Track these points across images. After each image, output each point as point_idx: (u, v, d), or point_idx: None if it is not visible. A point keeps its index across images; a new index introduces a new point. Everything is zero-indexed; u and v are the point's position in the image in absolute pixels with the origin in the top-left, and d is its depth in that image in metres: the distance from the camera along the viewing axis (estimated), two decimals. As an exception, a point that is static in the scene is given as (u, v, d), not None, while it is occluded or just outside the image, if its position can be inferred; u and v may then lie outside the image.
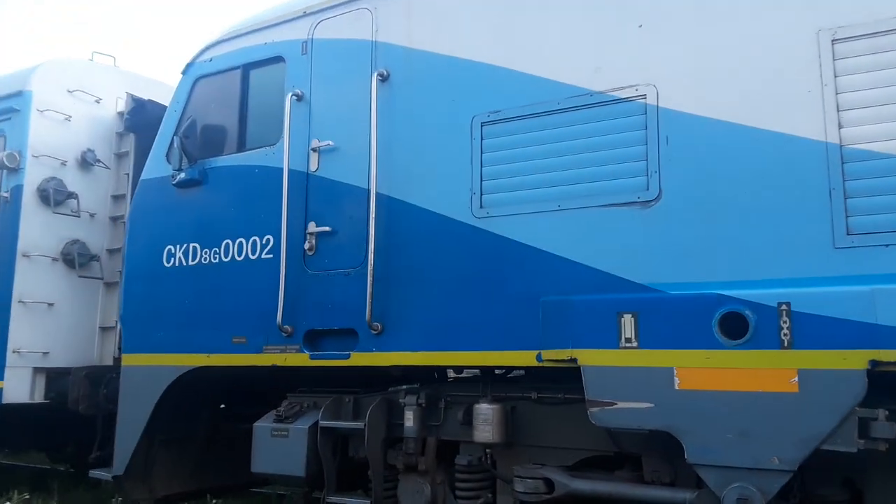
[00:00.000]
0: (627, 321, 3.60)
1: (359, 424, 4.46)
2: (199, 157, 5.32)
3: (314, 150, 4.82)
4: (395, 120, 4.55)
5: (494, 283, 4.06)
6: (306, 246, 4.72)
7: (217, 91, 5.47)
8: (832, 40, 3.39)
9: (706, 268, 3.52)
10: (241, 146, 5.29)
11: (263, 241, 4.94)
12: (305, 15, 5.06)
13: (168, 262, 5.40)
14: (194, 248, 5.28)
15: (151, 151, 5.77)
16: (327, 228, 4.66)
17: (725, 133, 3.57)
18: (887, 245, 3.18)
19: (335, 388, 4.89)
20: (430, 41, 4.52)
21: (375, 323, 4.34)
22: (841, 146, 3.31)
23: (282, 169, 4.87)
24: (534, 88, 4.12)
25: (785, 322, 3.25)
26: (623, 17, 3.95)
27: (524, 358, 3.92)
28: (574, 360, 3.70)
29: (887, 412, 3.13)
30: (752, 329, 3.31)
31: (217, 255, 5.15)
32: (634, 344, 3.57)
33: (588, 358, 3.67)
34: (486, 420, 4.03)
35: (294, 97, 4.93)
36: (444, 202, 4.28)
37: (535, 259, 3.96)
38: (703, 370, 3.40)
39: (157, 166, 5.65)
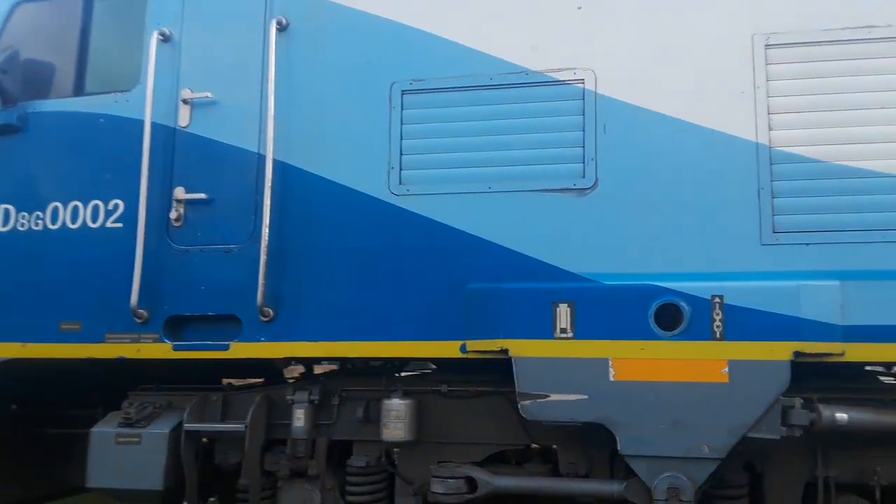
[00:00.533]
0: (563, 311, 3.46)
1: (239, 426, 3.83)
2: (20, 98, 4.25)
3: (185, 101, 4.07)
4: (295, 77, 3.99)
5: (413, 267, 3.70)
6: (173, 216, 3.97)
7: (48, 18, 4.44)
8: (766, 45, 3.55)
9: (642, 259, 3.50)
10: (80, 89, 4.34)
11: (109, 207, 4.08)
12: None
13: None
14: (6, 210, 4.21)
15: None
16: (202, 196, 3.96)
17: (663, 126, 3.58)
18: (807, 244, 3.39)
19: (181, 383, 4.18)
20: (341, -7, 4.03)
21: (267, 308, 3.75)
22: (770, 147, 3.47)
23: (139, 121, 4.06)
24: (464, 60, 3.82)
25: (718, 314, 3.32)
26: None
27: (445, 349, 3.62)
28: (505, 352, 3.48)
29: (802, 400, 3.33)
30: (686, 321, 3.34)
31: (41, 222, 4.16)
32: (570, 335, 3.44)
33: (520, 349, 3.47)
34: (399, 417, 3.66)
35: (160, 36, 4.12)
36: (355, 175, 3.83)
37: (461, 243, 3.67)
38: (638, 361, 3.37)
39: None
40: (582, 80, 3.69)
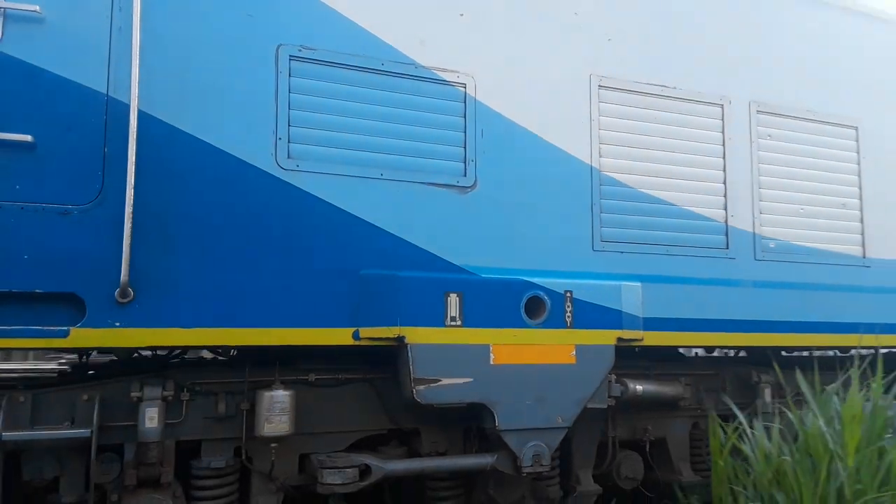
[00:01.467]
0: (453, 300, 3.69)
1: (84, 432, 3.07)
2: None
3: (-8, 8, 3.08)
4: (159, 11, 3.34)
5: (301, 249, 3.49)
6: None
7: None
8: (596, 85, 4.31)
9: (513, 255, 3.94)
10: None
11: None
12: None
13: None
14: None
15: None
16: (26, 138, 3.05)
17: (528, 140, 4.07)
18: (622, 252, 4.25)
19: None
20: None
21: (129, 288, 3.10)
22: (600, 171, 4.24)
23: None
24: (355, 37, 3.72)
25: (569, 306, 3.96)
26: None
27: (336, 336, 3.51)
28: (402, 339, 3.55)
29: (615, 376, 4.18)
30: (547, 311, 3.90)
31: None
32: (459, 323, 3.69)
33: (416, 336, 3.58)
34: (284, 409, 3.41)
35: None
36: (237, 142, 3.41)
37: (354, 228, 3.60)
38: (512, 346, 3.80)
39: None
40: (464, 85, 3.95)
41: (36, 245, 3.04)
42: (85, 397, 3.24)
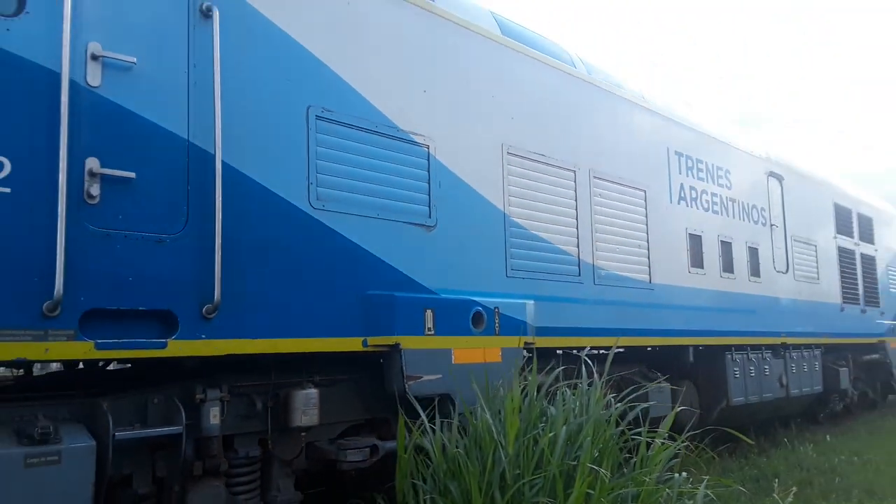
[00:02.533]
0: (429, 315, 4.78)
1: (178, 429, 3.56)
2: None
3: (95, 57, 3.49)
4: (226, 73, 3.97)
5: (327, 273, 4.32)
6: (93, 191, 3.37)
7: None
8: (505, 152, 5.71)
9: (461, 280, 5.13)
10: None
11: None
12: None
13: None
14: None
15: None
16: (129, 174, 3.50)
17: (468, 192, 5.31)
18: (522, 279, 5.68)
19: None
20: (268, 6, 4.22)
21: (209, 306, 3.68)
22: (508, 216, 5.64)
23: (30, 62, 3.29)
24: (360, 104, 4.65)
25: (497, 319, 5.28)
26: (415, 77, 5.07)
27: (351, 344, 4.39)
28: (398, 345, 4.54)
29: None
30: (485, 323, 5.17)
31: None
32: (433, 332, 4.78)
33: (407, 342, 4.60)
34: (315, 404, 4.18)
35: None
36: (282, 184, 4.15)
37: (361, 256, 4.51)
38: (465, 349, 4.99)
39: None
40: (427, 146, 5.07)
41: (138, 268, 3.49)
42: (155, 400, 3.70)
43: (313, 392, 4.23)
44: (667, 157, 7.74)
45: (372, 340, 4.47)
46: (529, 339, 5.50)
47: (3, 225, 3.09)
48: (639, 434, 4.34)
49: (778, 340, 9.32)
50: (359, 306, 4.44)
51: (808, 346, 10.20)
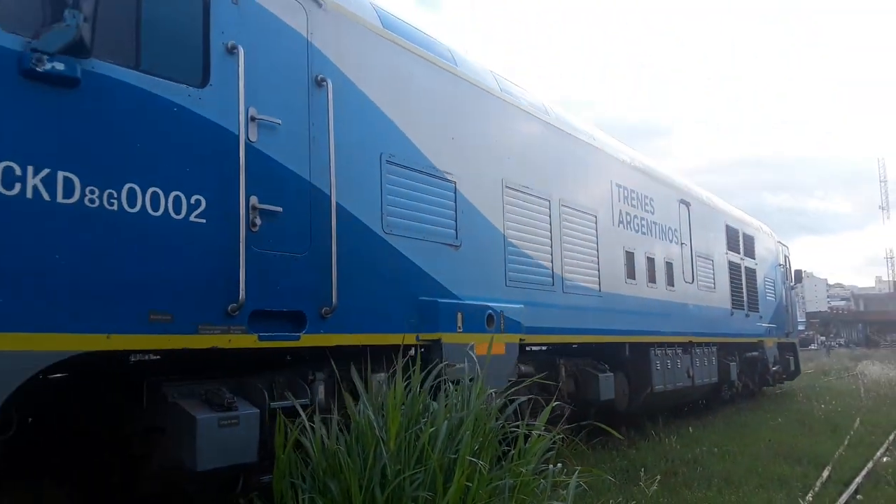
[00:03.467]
0: (460, 316, 6.11)
1: (304, 400, 4.70)
2: (91, 53, 3.75)
3: (253, 119, 4.60)
4: (335, 129, 5.15)
5: (396, 283, 5.57)
6: (258, 221, 4.49)
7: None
8: (504, 186, 7.13)
9: (477, 289, 6.48)
10: (139, 61, 4.08)
11: (191, 202, 4.19)
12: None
13: (10, 188, 3.42)
14: (68, 178, 3.65)
15: None
16: (278, 209, 4.63)
17: (480, 218, 6.68)
18: (516, 287, 7.10)
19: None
20: (355, 71, 5.41)
21: (326, 308, 4.86)
22: (507, 238, 7.05)
23: (213, 123, 4.39)
24: (412, 150, 5.92)
25: (502, 320, 6.67)
26: (447, 127, 6.39)
27: (410, 338, 5.64)
28: (440, 340, 5.84)
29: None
30: (495, 323, 6.56)
31: (115, 202, 3.83)
32: (462, 330, 6.11)
33: (447, 338, 5.91)
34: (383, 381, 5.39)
35: (224, 47, 4.51)
36: (367, 215, 5.36)
37: (415, 270, 5.78)
38: (482, 344, 6.33)
39: None
40: (454, 182, 6.40)
41: (282, 279, 4.62)
42: (280, 380, 4.82)
43: (383, 376, 5.45)
44: (610, 188, 9.43)
45: (423, 336, 5.75)
46: (523, 336, 6.93)
47: (202, 246, 4.16)
48: (517, 427, 4.50)
49: (686, 339, 11.26)
50: (414, 309, 5.71)
51: (707, 345, 12.26)
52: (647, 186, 10.63)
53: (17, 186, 3.41)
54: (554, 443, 4.59)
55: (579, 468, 4.46)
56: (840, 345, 62.45)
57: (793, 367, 18.39)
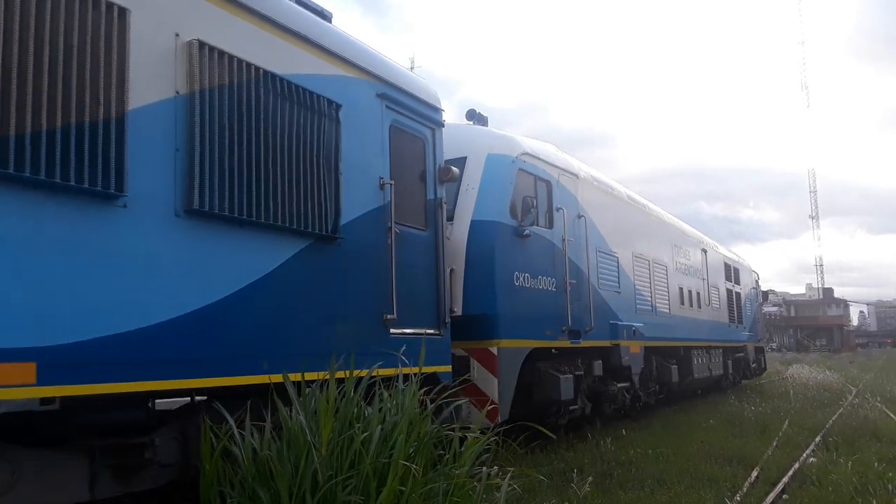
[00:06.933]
0: (624, 331, 11.37)
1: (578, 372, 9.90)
2: (523, 222, 8.87)
3: (563, 240, 9.79)
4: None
5: (603, 313, 10.79)
6: (568, 288, 9.69)
7: (532, 183, 9.11)
8: (632, 255, 12.44)
9: (626, 316, 11.77)
10: (549, 223, 9.30)
11: (550, 281, 9.37)
12: (554, 166, 9.84)
13: (517, 282, 8.58)
14: (526, 276, 8.81)
15: (478, 202, 8.40)
16: (574, 282, 9.82)
17: (624, 275, 11.98)
18: (639, 313, 12.41)
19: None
20: (588, 206, 10.62)
21: (588, 328, 10.06)
22: (634, 285, 12.36)
23: (555, 245, 9.58)
24: (603, 243, 11.19)
25: (636, 332, 11.98)
26: (611, 226, 11.67)
27: (606, 343, 10.86)
28: (618, 345, 11.09)
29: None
30: (637, 334, 11.85)
31: (536, 283, 9.00)
32: (626, 338, 11.37)
33: (622, 343, 11.16)
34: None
35: (555, 209, 9.71)
36: (594, 278, 10.60)
37: (606, 306, 11.03)
38: (633, 346, 11.60)
39: (486, 211, 8.44)
40: (617, 257, 11.70)
41: (576, 314, 9.82)
42: (579, 361, 9.98)
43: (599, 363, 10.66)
44: (671, 247, 14.87)
45: (613, 342, 10.95)
46: (645, 342, 12.23)
47: (554, 301, 9.31)
48: (452, 430, 4.43)
49: (707, 344, 16.78)
50: (608, 327, 10.92)
51: (717, 348, 17.83)
52: (685, 241, 16.12)
53: (520, 280, 8.54)
54: (489, 446, 4.58)
55: (512, 470, 4.48)
56: (772, 349, 68.64)
57: (763, 365, 24.39)
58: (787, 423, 11.76)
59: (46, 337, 3.50)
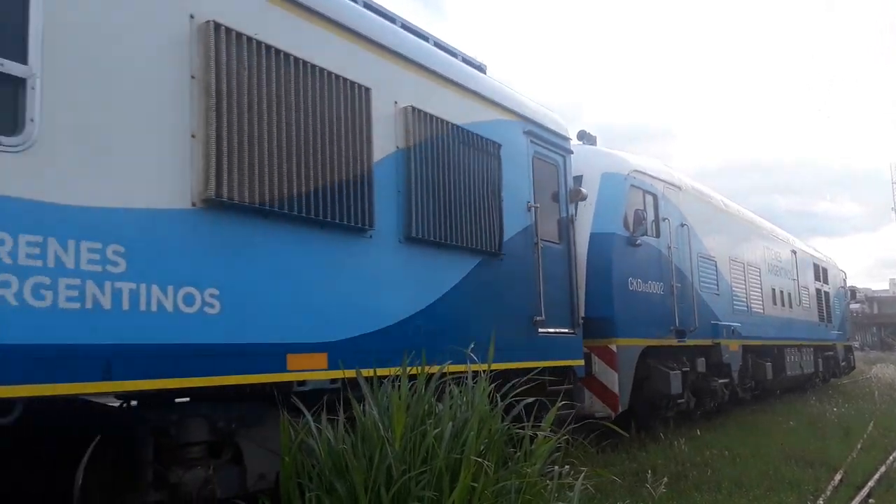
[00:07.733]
0: (724, 331, 12.21)
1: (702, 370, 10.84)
2: (635, 233, 9.88)
3: (668, 247, 10.75)
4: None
5: (705, 315, 11.69)
6: (674, 291, 10.64)
7: (641, 197, 10.13)
8: (729, 259, 13.25)
9: (724, 316, 12.60)
10: (657, 232, 10.31)
11: (659, 285, 10.35)
12: (660, 181, 10.81)
13: (630, 286, 9.61)
14: (637, 281, 9.83)
15: (595, 216, 9.48)
16: (679, 285, 10.77)
17: (722, 278, 12.81)
18: (736, 314, 13.21)
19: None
20: (689, 215, 11.54)
21: (692, 328, 10.97)
22: (731, 287, 13.17)
23: (662, 252, 10.54)
24: (702, 248, 12.07)
25: (734, 331, 12.77)
26: (710, 231, 12.53)
27: (707, 342, 11.75)
28: (720, 343, 11.95)
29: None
30: (735, 333, 12.66)
31: (646, 286, 10.00)
32: (725, 338, 12.21)
33: (722, 342, 12.00)
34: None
35: (661, 219, 10.67)
36: (696, 282, 11.51)
37: (708, 308, 11.92)
38: (732, 344, 12.43)
39: (603, 224, 9.50)
40: (715, 261, 12.56)
41: (681, 315, 10.77)
42: (686, 358, 10.93)
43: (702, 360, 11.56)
44: (763, 251, 15.54)
45: (714, 340, 11.82)
46: (743, 341, 13.01)
47: (662, 302, 10.28)
48: (523, 428, 4.46)
49: (798, 343, 17.29)
50: (710, 327, 11.79)
51: (807, 346, 18.28)
52: (775, 243, 16.72)
53: (633, 285, 9.57)
54: (560, 445, 4.61)
55: (585, 469, 4.47)
56: (854, 348, 65.63)
57: (852, 364, 24.46)
58: (871, 425, 11.55)
59: (332, 334, 4.84)
